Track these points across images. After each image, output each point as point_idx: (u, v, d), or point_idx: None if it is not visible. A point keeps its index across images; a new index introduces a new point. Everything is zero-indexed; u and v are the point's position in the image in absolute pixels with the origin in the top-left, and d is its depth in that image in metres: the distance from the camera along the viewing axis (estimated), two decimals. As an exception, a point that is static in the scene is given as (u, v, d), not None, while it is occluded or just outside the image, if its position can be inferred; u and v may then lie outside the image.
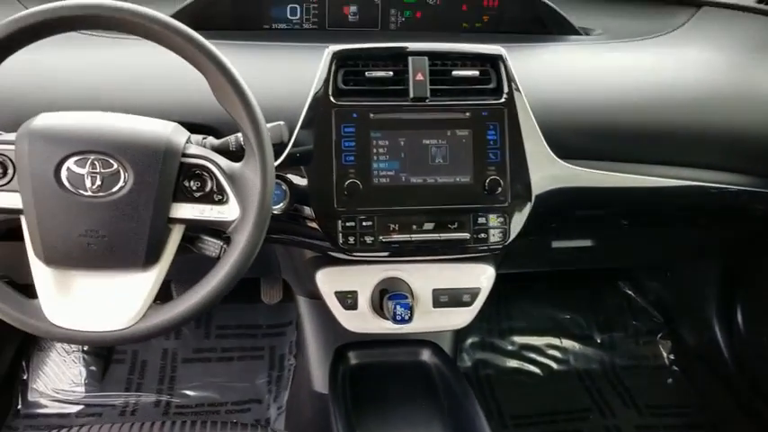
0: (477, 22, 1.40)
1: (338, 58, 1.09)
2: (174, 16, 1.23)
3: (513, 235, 1.11)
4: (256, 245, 0.90)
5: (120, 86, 1.07)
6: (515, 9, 1.39)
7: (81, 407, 1.73)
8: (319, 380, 1.37)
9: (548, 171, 1.13)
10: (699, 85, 1.26)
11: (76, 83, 1.05)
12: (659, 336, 1.92)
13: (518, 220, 1.11)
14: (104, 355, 1.84)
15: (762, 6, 1.43)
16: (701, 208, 1.31)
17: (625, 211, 1.29)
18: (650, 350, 1.89)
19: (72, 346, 1.81)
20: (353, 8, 1.37)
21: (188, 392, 1.76)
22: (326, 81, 1.08)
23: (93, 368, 1.78)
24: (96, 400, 1.74)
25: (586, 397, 1.78)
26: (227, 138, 1.01)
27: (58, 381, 1.75)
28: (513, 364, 1.82)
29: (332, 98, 1.08)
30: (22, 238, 0.90)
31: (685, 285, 1.88)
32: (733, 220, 1.44)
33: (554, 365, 1.84)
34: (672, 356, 1.89)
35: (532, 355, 1.84)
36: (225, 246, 0.95)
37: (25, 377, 1.76)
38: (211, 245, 0.95)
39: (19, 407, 1.71)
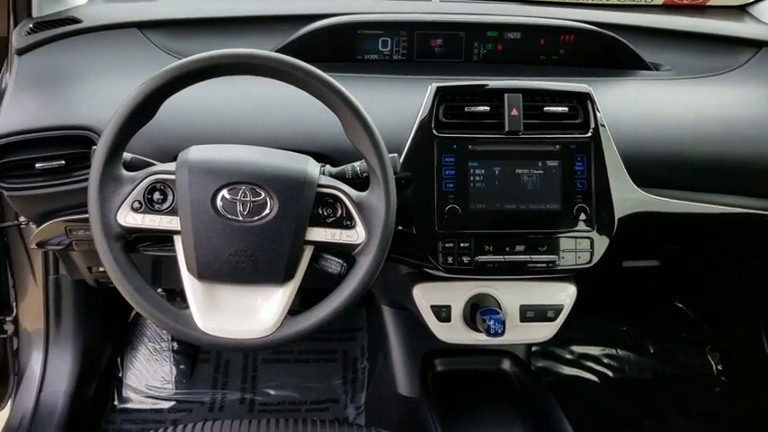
0: (553, 54, 1.50)
1: (441, 94, 1.20)
2: (280, 50, 1.38)
3: (597, 257, 1.22)
4: (379, 265, 1.01)
5: (251, 119, 1.19)
6: (590, 44, 1.48)
7: (173, 403, 1.86)
8: (404, 384, 1.48)
9: (629, 199, 1.23)
10: (762, 120, 1.36)
11: (214, 117, 1.18)
12: (708, 347, 2.01)
13: (602, 244, 1.21)
14: (192, 354, 1.97)
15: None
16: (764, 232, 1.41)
17: (695, 234, 1.39)
18: (699, 360, 1.98)
19: (162, 345, 1.94)
20: (439, 41, 1.48)
21: (269, 391, 1.88)
22: (429, 114, 1.19)
23: (182, 366, 1.91)
24: (186, 397, 1.87)
25: (641, 403, 1.88)
26: (344, 167, 1.12)
27: (151, 378, 1.88)
28: (572, 371, 1.93)
29: (434, 130, 1.19)
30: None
31: (734, 299, 1.97)
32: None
33: (610, 374, 1.94)
34: (720, 367, 1.98)
35: (590, 364, 1.95)
36: (344, 264, 1.06)
37: (120, 374, 1.89)
38: (334, 263, 1.06)
39: (115, 402, 1.84)
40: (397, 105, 1.25)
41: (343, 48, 1.46)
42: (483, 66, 1.49)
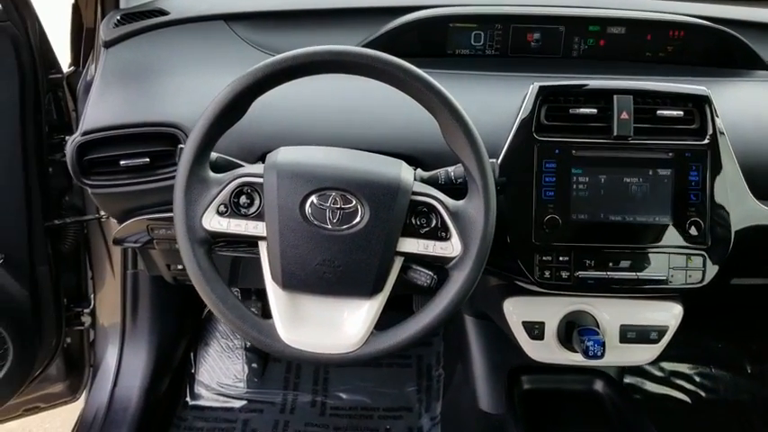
0: (660, 51, 1.38)
1: (543, 95, 1.11)
2: (368, 44, 1.31)
3: (710, 276, 1.11)
4: (474, 281, 0.93)
5: (340, 118, 1.13)
6: (702, 40, 1.36)
7: (244, 402, 1.84)
8: (487, 399, 1.41)
9: (748, 212, 1.13)
10: None
11: (302, 115, 1.12)
12: (813, 370, 1.85)
13: (717, 261, 1.11)
14: (264, 353, 1.94)
15: None
16: None
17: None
18: (803, 384, 1.83)
19: (235, 342, 1.92)
20: (537, 35, 1.38)
21: (341, 395, 1.84)
22: (530, 116, 1.11)
23: (254, 365, 1.89)
24: (258, 397, 1.84)
25: (736, 428, 1.74)
26: (437, 171, 1.05)
27: (223, 375, 1.86)
28: (662, 390, 1.81)
29: (535, 134, 1.10)
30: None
31: None
32: None
33: (703, 394, 1.81)
34: (825, 391, 1.82)
35: (681, 383, 1.82)
36: (435, 277, 0.99)
37: (193, 371, 1.88)
38: (423, 275, 0.99)
39: (187, 399, 1.83)
40: (492, 105, 1.17)
41: (434, 42, 1.38)
42: (583, 62, 1.38)
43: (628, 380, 1.78)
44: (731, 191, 1.11)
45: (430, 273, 0.99)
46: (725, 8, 1.48)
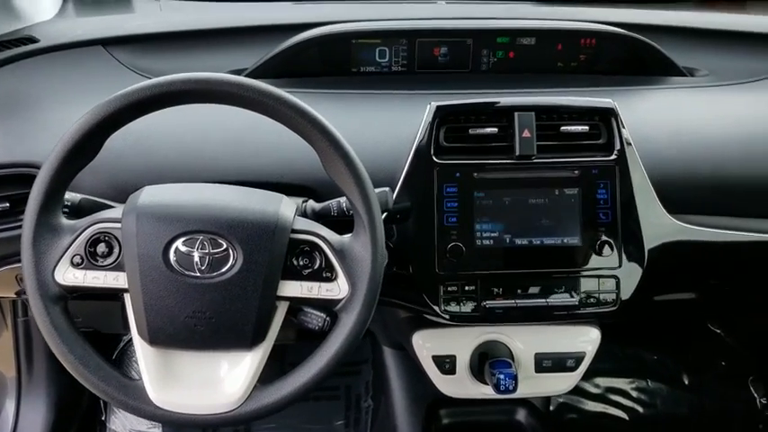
0: (573, 61, 1.33)
1: (441, 115, 1.04)
2: (262, 64, 1.23)
3: (625, 298, 1.05)
4: (365, 324, 0.86)
5: (223, 149, 1.04)
6: (613, 49, 1.31)
7: (160, 447, 1.72)
8: (407, 435, 1.33)
9: (660, 229, 1.07)
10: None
11: (179, 147, 1.03)
12: (750, 378, 1.82)
13: (630, 283, 1.05)
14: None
15: None
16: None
17: (740, 266, 1.21)
18: (741, 393, 1.80)
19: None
20: (444, 49, 1.32)
21: (265, 434, 1.74)
22: (429, 138, 1.04)
23: (170, 408, 1.76)
24: (176, 441, 1.73)
25: (675, 443, 1.70)
26: (329, 203, 0.97)
27: (136, 420, 1.74)
28: (598, 407, 1.75)
29: (434, 157, 1.03)
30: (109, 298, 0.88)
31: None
32: None
33: (640, 409, 1.76)
34: (765, 400, 1.79)
35: (618, 398, 1.77)
36: (328, 318, 0.91)
37: (103, 417, 1.76)
38: (315, 318, 0.91)
39: (98, 447, 1.71)
40: (395, 126, 1.10)
41: (337, 60, 1.30)
42: (493, 76, 1.33)
43: (562, 399, 1.73)
44: (642, 207, 1.05)
45: (322, 315, 0.91)
46: (638, 13, 1.44)
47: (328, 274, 0.86)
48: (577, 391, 1.78)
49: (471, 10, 1.44)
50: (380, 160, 1.06)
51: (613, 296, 1.05)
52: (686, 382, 1.79)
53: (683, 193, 1.09)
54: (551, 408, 1.74)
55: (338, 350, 0.85)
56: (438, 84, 1.25)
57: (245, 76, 1.23)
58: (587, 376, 1.83)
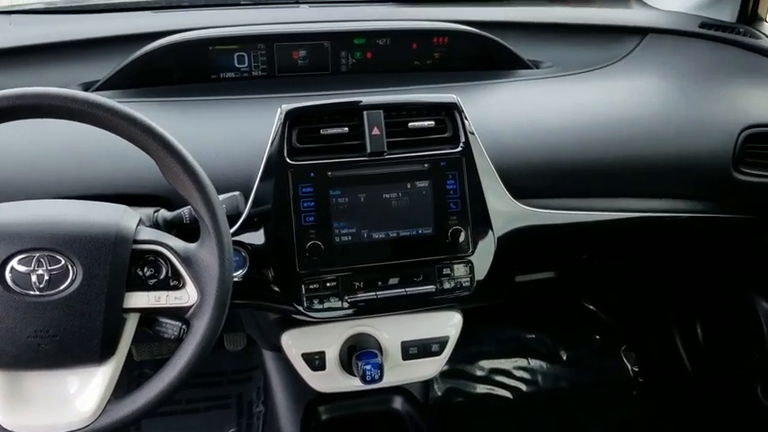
0: (428, 59, 1.38)
1: (291, 118, 1.06)
2: (114, 75, 1.21)
3: (479, 280, 1.11)
4: (217, 329, 0.87)
5: (62, 164, 1.02)
6: (464, 46, 1.37)
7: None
8: (290, 434, 1.34)
9: (507, 214, 1.13)
10: (650, 115, 1.27)
11: (15, 162, 1.00)
12: (623, 348, 1.94)
13: (483, 267, 1.11)
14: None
15: (705, 31, 1.45)
16: (657, 237, 1.33)
17: (585, 245, 1.29)
18: (615, 363, 1.92)
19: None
20: (302, 53, 1.34)
21: (156, 448, 1.71)
22: (281, 141, 1.05)
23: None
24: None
25: (557, 417, 1.79)
26: (181, 210, 0.97)
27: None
28: (483, 389, 1.82)
29: (287, 158, 1.05)
30: None
31: (646, 299, 1.91)
32: (688, 245, 1.45)
33: (523, 387, 1.84)
34: (636, 368, 1.91)
35: (502, 379, 1.84)
36: (184, 327, 0.91)
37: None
38: (170, 327, 0.90)
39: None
40: (251, 130, 1.12)
41: (195, 67, 1.30)
42: (352, 77, 1.36)
43: (449, 384, 1.79)
44: (489, 195, 1.10)
45: (177, 323, 0.90)
46: (488, 10, 1.51)
47: (176, 282, 0.86)
48: (463, 374, 1.85)
49: (332, 13, 1.47)
50: (236, 165, 1.07)
51: (468, 281, 1.10)
52: (564, 358, 1.90)
53: (526, 180, 1.16)
54: (439, 393, 1.80)
55: (191, 356, 0.85)
56: (299, 87, 1.26)
57: (97, 88, 1.22)
58: (472, 359, 1.91)
